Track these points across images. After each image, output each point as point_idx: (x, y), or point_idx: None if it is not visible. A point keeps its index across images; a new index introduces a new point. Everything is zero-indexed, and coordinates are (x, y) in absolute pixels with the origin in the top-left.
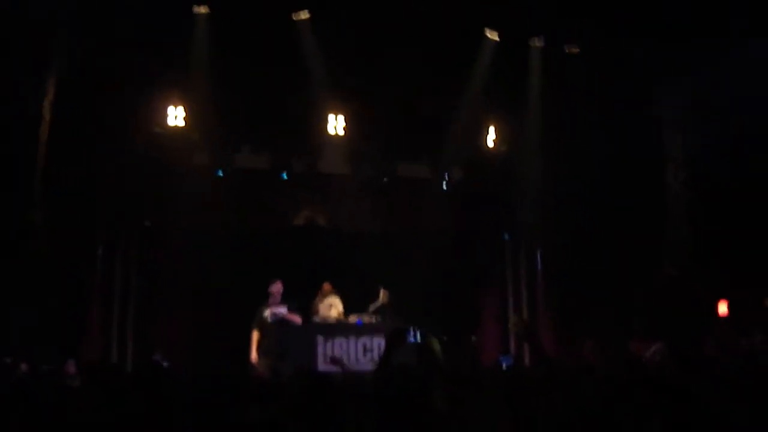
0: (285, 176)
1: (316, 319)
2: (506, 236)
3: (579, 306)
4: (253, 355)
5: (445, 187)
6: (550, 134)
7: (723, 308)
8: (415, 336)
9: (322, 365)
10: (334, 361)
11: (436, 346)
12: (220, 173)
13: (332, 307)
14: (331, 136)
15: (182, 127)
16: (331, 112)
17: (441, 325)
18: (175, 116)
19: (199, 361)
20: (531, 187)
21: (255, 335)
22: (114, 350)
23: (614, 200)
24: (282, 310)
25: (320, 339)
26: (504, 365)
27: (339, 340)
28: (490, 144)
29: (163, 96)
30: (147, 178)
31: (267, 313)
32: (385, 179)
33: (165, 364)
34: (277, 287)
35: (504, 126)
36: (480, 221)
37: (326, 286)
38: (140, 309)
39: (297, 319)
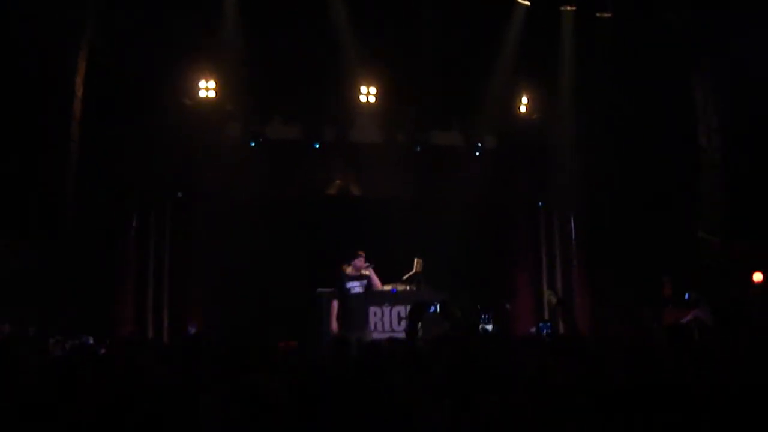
0: (317, 146)
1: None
2: (540, 203)
3: (613, 273)
4: (333, 325)
5: (478, 155)
6: (582, 100)
7: (758, 276)
8: (435, 308)
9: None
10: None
11: (457, 313)
12: (252, 144)
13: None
14: (363, 104)
15: (213, 99)
16: (362, 81)
17: (474, 293)
18: (207, 88)
19: (234, 333)
20: (564, 153)
21: (334, 305)
22: (150, 323)
23: (648, 167)
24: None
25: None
26: (545, 332)
27: (374, 309)
28: (523, 110)
29: (195, 68)
30: (179, 149)
31: (349, 283)
32: (417, 147)
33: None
34: (360, 261)
35: (536, 92)
36: (513, 188)
37: (360, 254)
38: (174, 280)
39: (378, 284)
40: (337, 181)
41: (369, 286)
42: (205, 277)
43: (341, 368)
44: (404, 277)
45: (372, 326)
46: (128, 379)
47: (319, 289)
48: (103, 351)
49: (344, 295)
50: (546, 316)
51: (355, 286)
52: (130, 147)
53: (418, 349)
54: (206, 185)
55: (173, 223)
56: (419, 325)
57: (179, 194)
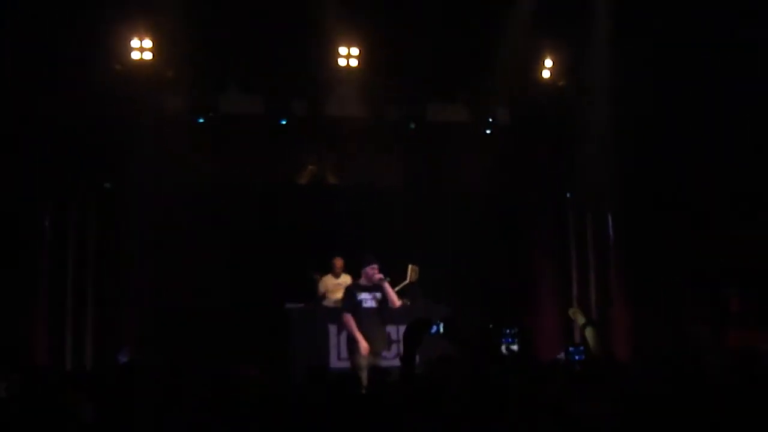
0: (284, 122)
1: (327, 302)
2: (568, 194)
3: (661, 283)
4: (362, 342)
5: (488, 133)
6: (622, 64)
7: None
8: (438, 327)
9: (335, 362)
10: None
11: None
12: (201, 120)
13: (343, 287)
14: (342, 70)
15: (150, 62)
16: (341, 40)
17: (485, 308)
18: (141, 49)
19: (178, 359)
20: (599, 131)
21: (350, 318)
22: (68, 349)
23: (707, 151)
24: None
25: (332, 329)
26: (576, 358)
27: (390, 329)
28: (545, 76)
29: (125, 25)
30: (107, 128)
31: (360, 294)
32: (411, 124)
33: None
34: (373, 270)
35: (563, 54)
36: (534, 175)
37: (338, 261)
38: (100, 294)
39: (396, 302)
40: (310, 167)
41: (384, 301)
42: (140, 289)
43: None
44: (396, 289)
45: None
46: (44, 424)
47: (288, 304)
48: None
49: (355, 309)
50: (577, 339)
51: (367, 299)
52: (41, 126)
53: (418, 379)
54: (142, 173)
55: (99, 222)
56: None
57: (107, 185)
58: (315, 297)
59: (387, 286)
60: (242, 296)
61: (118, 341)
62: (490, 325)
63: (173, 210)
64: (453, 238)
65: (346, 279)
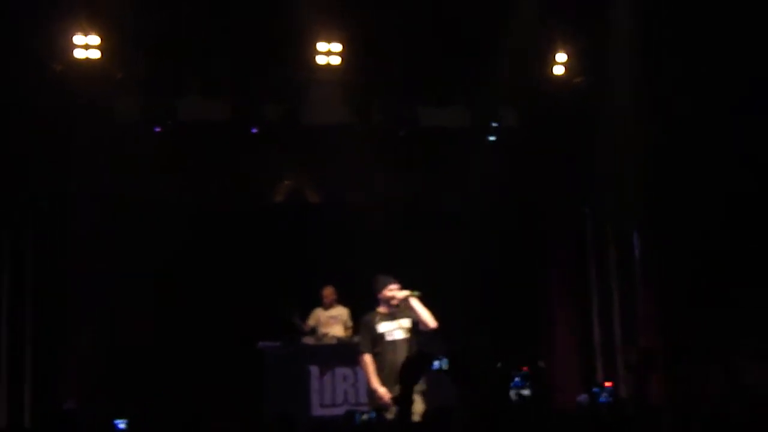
0: (254, 131)
1: (310, 340)
2: (585, 208)
3: (700, 313)
4: (379, 389)
5: (492, 139)
6: (649, 58)
7: None
8: (440, 363)
9: (317, 409)
10: None
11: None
12: (157, 129)
13: (336, 320)
14: (322, 69)
15: (97, 61)
16: (320, 34)
17: (491, 342)
18: (86, 46)
19: (134, 409)
20: (622, 135)
21: (368, 359)
22: (4, 398)
23: (747, 157)
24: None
25: (314, 370)
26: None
27: (342, 371)
28: (559, 72)
29: (67, 19)
30: (44, 137)
31: (382, 325)
32: (403, 130)
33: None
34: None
35: (579, 44)
36: (547, 187)
37: (327, 291)
38: (40, 332)
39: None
40: (286, 182)
41: (415, 325)
42: (87, 327)
43: None
44: None
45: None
46: None
47: (262, 343)
48: None
49: (376, 345)
50: (601, 377)
51: (392, 330)
52: None
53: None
54: (87, 190)
55: (36, 247)
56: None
57: (43, 204)
58: (296, 333)
59: (415, 303)
60: (209, 334)
61: (63, 389)
62: (498, 364)
63: (125, 234)
64: (455, 260)
65: (340, 311)
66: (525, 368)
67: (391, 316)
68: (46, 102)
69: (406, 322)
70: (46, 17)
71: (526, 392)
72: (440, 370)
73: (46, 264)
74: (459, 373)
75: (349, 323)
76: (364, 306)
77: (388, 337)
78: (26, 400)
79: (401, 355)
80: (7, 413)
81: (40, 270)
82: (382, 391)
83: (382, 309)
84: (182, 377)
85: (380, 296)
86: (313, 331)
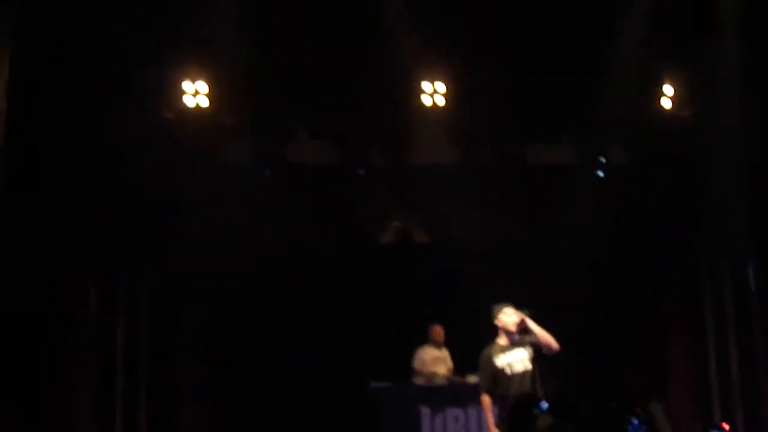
0: (362, 172)
1: (421, 380)
2: (699, 245)
3: None
4: (494, 430)
5: (601, 176)
6: (759, 89)
7: None
8: (544, 405)
9: None
10: None
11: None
12: (267, 172)
13: (440, 360)
14: (428, 110)
15: (206, 109)
16: (425, 77)
17: (605, 384)
18: (196, 93)
19: None
20: (735, 169)
21: (487, 401)
22: None
23: None
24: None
25: (425, 411)
26: None
27: (453, 412)
28: (666, 106)
29: (175, 67)
30: (157, 185)
31: (501, 358)
32: (510, 168)
33: None
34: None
35: (685, 80)
36: (659, 223)
37: (437, 329)
38: (156, 384)
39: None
40: (394, 223)
41: (538, 349)
42: (202, 376)
43: None
44: None
45: None
46: None
47: (374, 383)
48: None
49: (497, 383)
50: (718, 417)
51: (514, 361)
52: (82, 190)
53: None
54: (199, 235)
55: (152, 294)
56: None
57: (157, 253)
58: (406, 373)
59: (532, 325)
60: (321, 377)
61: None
62: (614, 404)
63: (237, 278)
64: (564, 298)
65: (444, 352)
66: (639, 410)
67: (513, 346)
68: (160, 148)
69: (528, 352)
70: (154, 66)
71: None
72: (544, 412)
73: (162, 308)
74: (561, 412)
75: (450, 363)
76: (471, 346)
77: (510, 371)
78: None
79: (527, 386)
80: None
81: (157, 314)
82: None
83: (501, 340)
84: (296, 420)
85: (497, 323)
86: (417, 373)
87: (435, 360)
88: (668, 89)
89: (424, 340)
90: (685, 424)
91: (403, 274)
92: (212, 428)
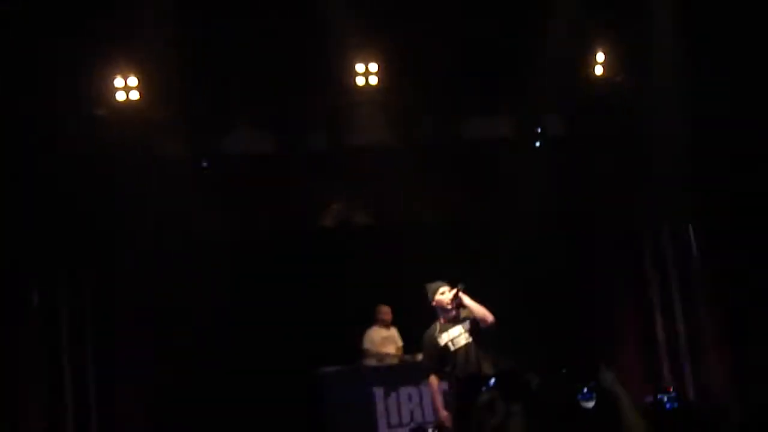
0: (300, 157)
1: (371, 361)
2: (640, 210)
3: (761, 308)
4: (442, 412)
5: (538, 146)
6: (695, 51)
7: None
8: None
9: (384, 430)
10: None
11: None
12: (205, 164)
13: (390, 340)
14: (361, 90)
15: (137, 103)
16: (357, 57)
17: (553, 352)
18: (126, 88)
19: None
20: (671, 134)
21: (434, 382)
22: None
23: None
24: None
25: (378, 392)
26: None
27: (406, 390)
28: (599, 72)
29: (105, 62)
30: (95, 183)
31: (443, 336)
32: (446, 144)
33: None
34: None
35: (618, 43)
36: (598, 190)
37: (384, 308)
38: (102, 373)
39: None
40: (333, 206)
41: (475, 324)
42: (146, 364)
43: None
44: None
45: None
46: None
47: (323, 369)
48: None
49: (443, 361)
50: (667, 379)
51: (456, 336)
52: (18, 188)
53: None
54: (138, 231)
55: (94, 290)
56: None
57: (92, 247)
58: (354, 356)
59: (467, 300)
60: (267, 363)
61: (126, 428)
62: (563, 374)
63: (180, 270)
64: (506, 272)
65: (393, 331)
66: (589, 378)
67: (453, 322)
68: (95, 146)
69: (467, 325)
70: (83, 63)
71: (589, 405)
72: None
73: (103, 304)
74: (509, 387)
75: (400, 343)
76: (418, 324)
77: (452, 347)
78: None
79: (472, 359)
80: None
81: (98, 310)
82: (445, 415)
83: (441, 319)
84: (242, 410)
85: (434, 304)
86: (365, 354)
87: (384, 340)
88: (600, 55)
89: (372, 320)
90: (635, 387)
91: (346, 256)
92: (159, 419)
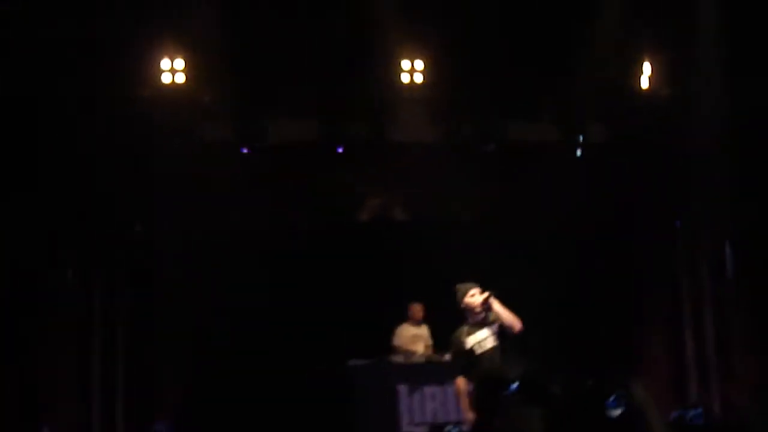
0: (341, 150)
1: (399, 358)
2: (677, 222)
3: None
4: (469, 414)
5: (579, 154)
6: (738, 67)
7: None
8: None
9: (407, 426)
10: None
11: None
12: (245, 150)
13: (419, 338)
14: (406, 87)
15: (183, 86)
16: (404, 54)
17: (581, 359)
18: (173, 70)
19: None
20: (713, 147)
21: (461, 384)
22: (96, 419)
23: None
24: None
25: (402, 389)
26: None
27: (430, 389)
28: (644, 86)
29: (152, 43)
30: (135, 163)
31: (470, 339)
32: (490, 146)
33: None
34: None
35: (664, 57)
36: (635, 201)
37: (416, 307)
38: (132, 355)
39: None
40: (373, 200)
41: (502, 330)
42: (178, 348)
43: None
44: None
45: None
46: None
47: (352, 362)
48: None
49: (471, 364)
50: (693, 397)
51: (483, 340)
52: (60, 166)
53: None
54: (178, 213)
55: (130, 271)
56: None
57: (137, 228)
58: (384, 351)
59: (496, 306)
60: (298, 355)
61: (154, 412)
62: (590, 382)
63: (215, 255)
64: (543, 274)
65: (423, 330)
66: (618, 387)
67: (481, 325)
68: (137, 127)
69: (494, 329)
70: (131, 44)
71: (617, 412)
72: (516, 392)
73: (140, 286)
74: (532, 392)
75: (430, 341)
76: (450, 324)
77: (480, 350)
78: (118, 420)
79: (496, 363)
80: None
81: (134, 291)
82: (469, 416)
83: (469, 321)
84: (273, 399)
85: (463, 307)
86: (396, 351)
87: (414, 338)
88: (647, 68)
89: (404, 317)
90: (662, 402)
91: (382, 251)
92: (191, 408)
